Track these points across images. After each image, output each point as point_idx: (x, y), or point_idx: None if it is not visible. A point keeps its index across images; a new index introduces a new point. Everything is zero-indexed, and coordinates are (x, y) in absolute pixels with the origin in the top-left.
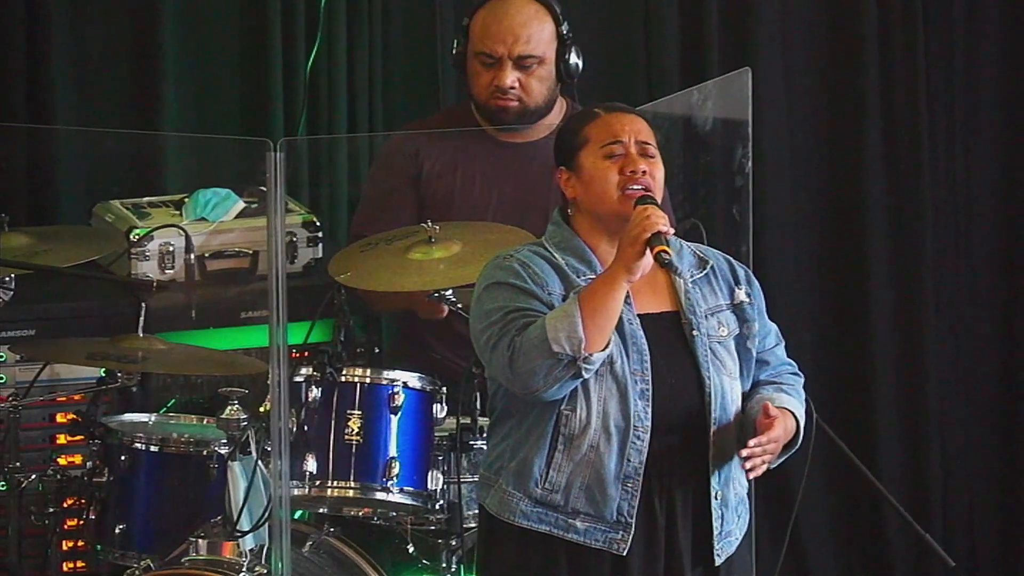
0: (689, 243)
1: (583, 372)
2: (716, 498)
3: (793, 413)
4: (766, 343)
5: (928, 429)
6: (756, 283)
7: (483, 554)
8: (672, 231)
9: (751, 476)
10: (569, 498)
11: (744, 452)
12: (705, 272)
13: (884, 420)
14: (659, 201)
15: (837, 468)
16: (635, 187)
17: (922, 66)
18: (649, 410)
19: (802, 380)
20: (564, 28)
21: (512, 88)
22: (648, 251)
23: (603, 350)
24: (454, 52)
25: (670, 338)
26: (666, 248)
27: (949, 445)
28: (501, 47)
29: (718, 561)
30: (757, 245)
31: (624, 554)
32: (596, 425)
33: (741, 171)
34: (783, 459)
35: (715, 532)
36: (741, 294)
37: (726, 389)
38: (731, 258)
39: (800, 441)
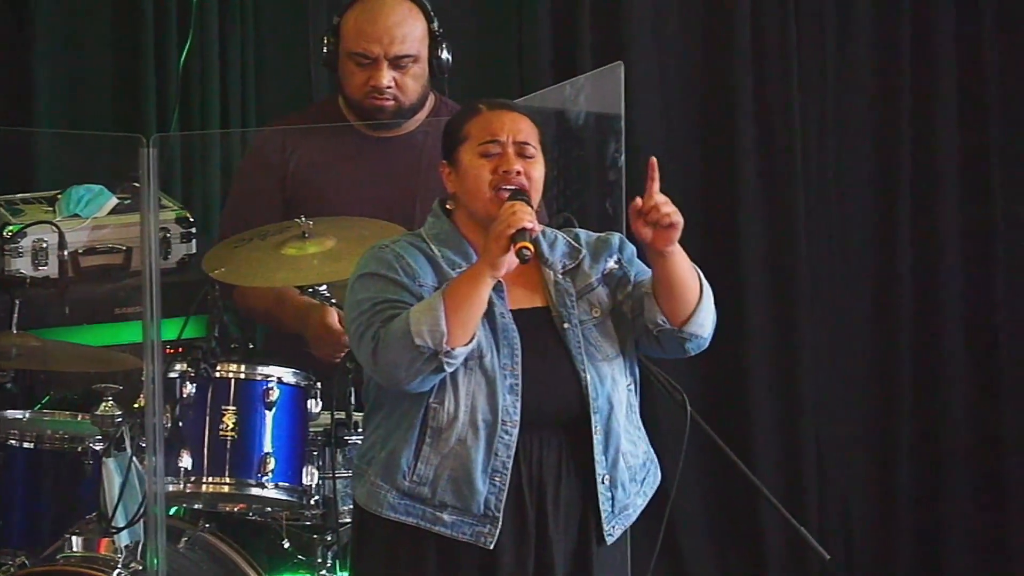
0: (565, 233)
1: (445, 366)
2: (603, 482)
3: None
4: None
5: (803, 422)
6: (630, 248)
7: (355, 547)
8: (539, 228)
9: (662, 242)
10: (436, 491)
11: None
12: (577, 262)
13: (759, 413)
14: (534, 199)
15: (712, 462)
16: (507, 187)
17: (794, 57)
18: (518, 404)
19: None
20: (435, 25)
21: (388, 88)
22: (512, 247)
23: (466, 345)
24: (325, 51)
25: (543, 333)
26: (528, 244)
27: (824, 437)
28: (377, 47)
29: (610, 540)
30: (630, 239)
31: (491, 547)
32: (463, 419)
33: (614, 165)
34: (708, 312)
35: (604, 514)
36: (611, 262)
37: (603, 375)
38: (602, 233)
39: (707, 287)
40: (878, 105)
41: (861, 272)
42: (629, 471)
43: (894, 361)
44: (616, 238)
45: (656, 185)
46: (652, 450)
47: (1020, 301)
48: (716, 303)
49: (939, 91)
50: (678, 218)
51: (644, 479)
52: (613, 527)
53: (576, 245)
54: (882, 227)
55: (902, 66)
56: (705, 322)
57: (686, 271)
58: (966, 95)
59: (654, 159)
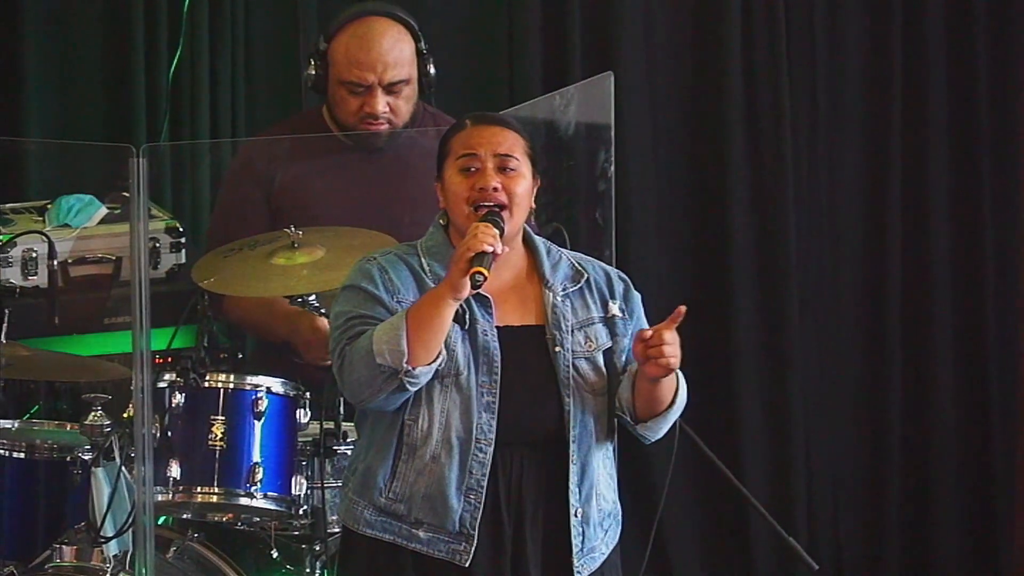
0: (570, 254)
1: (407, 385)
2: (576, 515)
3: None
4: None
5: (793, 432)
6: (636, 299)
7: (340, 560)
8: (502, 251)
9: (653, 373)
10: (412, 508)
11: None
12: (579, 285)
13: (748, 423)
14: (517, 214)
15: (701, 471)
16: (484, 204)
17: (784, 66)
18: (494, 423)
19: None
20: (422, 44)
21: (384, 113)
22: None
23: (428, 364)
24: (313, 74)
25: (530, 352)
26: (481, 269)
27: (814, 448)
28: (371, 76)
29: None
30: (620, 249)
31: (467, 565)
32: (437, 436)
33: (604, 175)
34: (667, 423)
35: (575, 549)
36: (614, 308)
37: (587, 406)
38: (612, 271)
39: (681, 403)
40: (869, 113)
41: (851, 281)
42: (599, 514)
43: (884, 372)
44: (622, 285)
45: (671, 327)
46: (619, 506)
47: (1009, 307)
48: (705, 312)
49: (930, 98)
50: (676, 363)
51: (608, 529)
52: (582, 565)
53: (580, 268)
54: (872, 236)
55: (894, 73)
56: (659, 431)
57: (665, 391)
58: (957, 100)
59: (683, 308)
